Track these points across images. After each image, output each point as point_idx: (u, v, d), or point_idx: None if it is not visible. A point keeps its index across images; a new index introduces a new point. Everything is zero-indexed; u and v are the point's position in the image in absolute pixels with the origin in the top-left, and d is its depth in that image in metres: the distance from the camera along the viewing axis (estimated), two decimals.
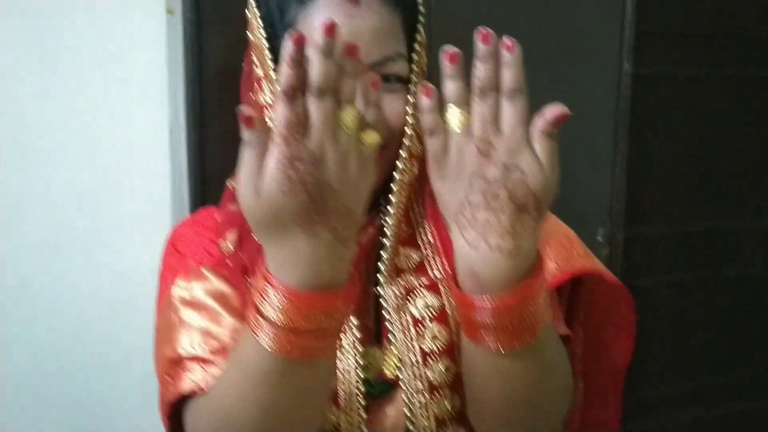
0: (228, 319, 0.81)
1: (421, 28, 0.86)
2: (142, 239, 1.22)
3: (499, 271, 0.66)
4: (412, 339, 0.83)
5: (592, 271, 0.92)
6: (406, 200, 0.86)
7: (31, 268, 1.19)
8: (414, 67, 0.84)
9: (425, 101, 0.65)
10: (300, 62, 0.61)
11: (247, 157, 0.62)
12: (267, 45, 0.82)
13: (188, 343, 0.79)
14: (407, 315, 0.84)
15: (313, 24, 0.78)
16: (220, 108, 1.13)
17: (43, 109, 1.16)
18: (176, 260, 0.89)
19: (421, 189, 0.90)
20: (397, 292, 0.85)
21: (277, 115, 0.60)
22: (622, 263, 1.26)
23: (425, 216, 0.90)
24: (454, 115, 0.65)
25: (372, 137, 0.64)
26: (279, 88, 0.60)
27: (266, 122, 0.63)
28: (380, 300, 0.85)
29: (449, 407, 0.81)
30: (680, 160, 1.39)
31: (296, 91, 0.61)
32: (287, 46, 0.60)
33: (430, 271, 0.87)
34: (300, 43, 0.60)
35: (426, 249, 0.89)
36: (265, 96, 0.83)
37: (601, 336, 0.99)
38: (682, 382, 1.46)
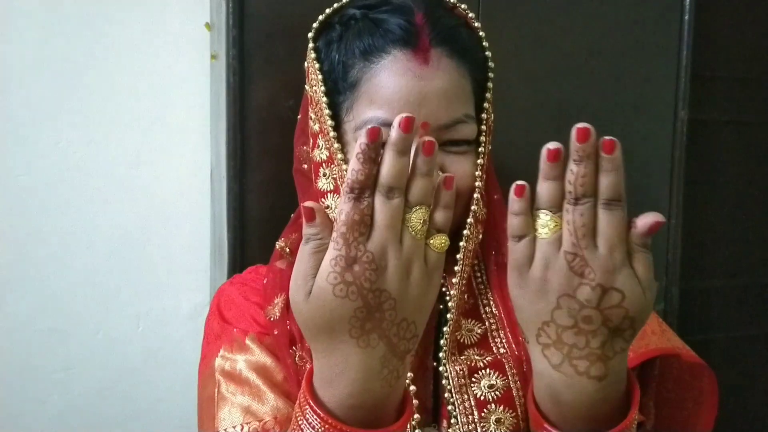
0: (270, 396, 0.78)
1: (490, 85, 0.83)
2: (180, 285, 1.22)
3: (587, 398, 0.61)
4: (474, 423, 0.77)
5: (669, 352, 0.84)
6: (469, 269, 0.82)
7: (69, 314, 1.18)
8: (483, 127, 0.81)
9: (516, 203, 0.59)
10: (373, 159, 0.57)
11: (303, 253, 0.58)
12: (326, 101, 0.80)
13: (229, 422, 0.76)
14: (470, 396, 0.78)
15: (380, 84, 0.76)
16: (262, 155, 1.11)
17: (86, 153, 1.16)
18: (221, 327, 0.86)
19: (484, 255, 0.86)
20: (459, 370, 0.79)
21: (339, 213, 0.57)
22: (678, 318, 1.20)
23: (489, 286, 0.86)
24: (544, 222, 0.58)
25: (441, 242, 0.59)
26: (344, 185, 0.57)
27: (328, 217, 0.59)
28: (440, 376, 0.79)
29: None
30: (738, 209, 1.33)
31: (364, 189, 0.57)
32: (360, 140, 0.56)
33: (494, 347, 0.82)
34: (375, 138, 0.56)
35: (490, 322, 0.84)
36: (321, 153, 0.81)
37: (680, 413, 0.92)
38: None
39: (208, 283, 1.22)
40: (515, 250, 0.60)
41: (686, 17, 1.18)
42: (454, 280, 0.79)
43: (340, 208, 0.57)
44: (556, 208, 0.58)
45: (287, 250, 0.87)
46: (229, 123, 1.10)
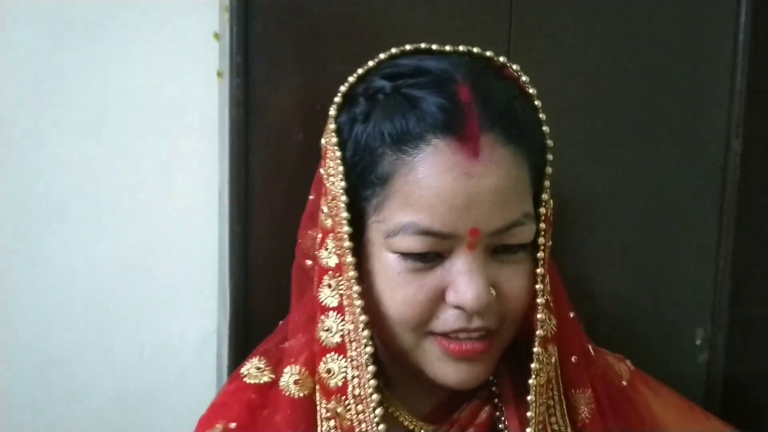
0: None
1: (549, 170, 0.70)
2: (187, 312, 1.16)
3: None
4: None
5: None
6: (545, 409, 0.70)
7: (72, 339, 1.14)
8: (542, 225, 0.68)
9: None
10: None
11: None
12: (345, 201, 0.67)
13: None
14: None
15: (418, 183, 0.62)
16: (267, 177, 1.03)
17: (90, 174, 1.11)
18: None
19: (560, 386, 0.73)
20: None
21: None
22: (724, 370, 1.10)
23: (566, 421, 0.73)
24: None
25: None
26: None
27: None
28: None
29: None
30: None
31: None
32: None
33: None
34: None
35: None
36: (330, 258, 0.69)
37: None
38: None
39: (216, 311, 1.16)
40: None
41: (740, 37, 1.05)
42: (528, 431, 0.68)
43: None
44: None
45: (263, 378, 0.77)
46: (232, 138, 1.02)
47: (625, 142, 1.08)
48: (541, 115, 0.71)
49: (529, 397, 0.68)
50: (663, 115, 1.08)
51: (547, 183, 0.70)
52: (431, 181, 0.62)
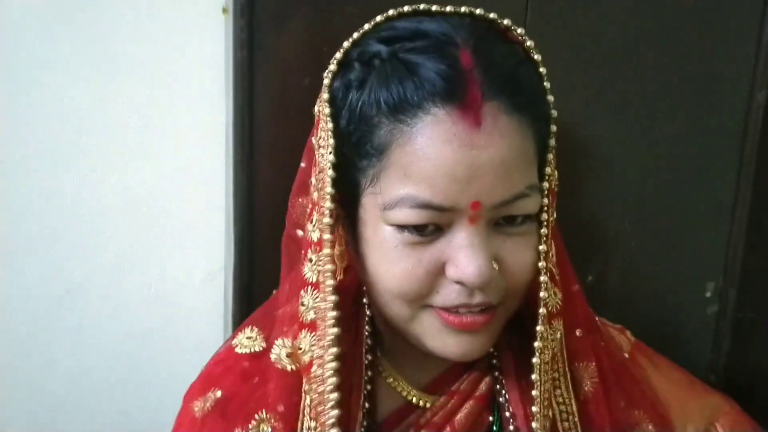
0: None
1: (553, 143, 0.67)
2: (194, 252, 1.17)
3: None
4: None
5: None
6: (550, 385, 0.69)
7: (81, 274, 1.16)
8: (546, 183, 0.66)
9: None
10: None
11: None
12: (332, 176, 0.64)
13: None
14: None
15: (417, 154, 0.59)
16: (272, 121, 1.02)
17: (97, 113, 1.11)
18: None
19: (565, 360, 0.72)
20: None
21: None
22: (734, 323, 1.09)
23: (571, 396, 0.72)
24: None
25: None
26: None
27: None
28: None
29: None
30: None
31: None
32: None
33: None
34: None
35: None
36: (314, 233, 0.67)
37: None
38: None
39: (223, 249, 1.15)
40: None
41: None
42: (534, 409, 0.67)
43: None
44: None
45: (255, 348, 0.76)
46: (237, 76, 1.00)
47: (645, 94, 1.04)
48: (546, 84, 0.67)
49: (533, 376, 0.67)
50: (686, 67, 1.04)
51: (550, 156, 0.67)
52: (431, 152, 0.59)
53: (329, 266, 0.65)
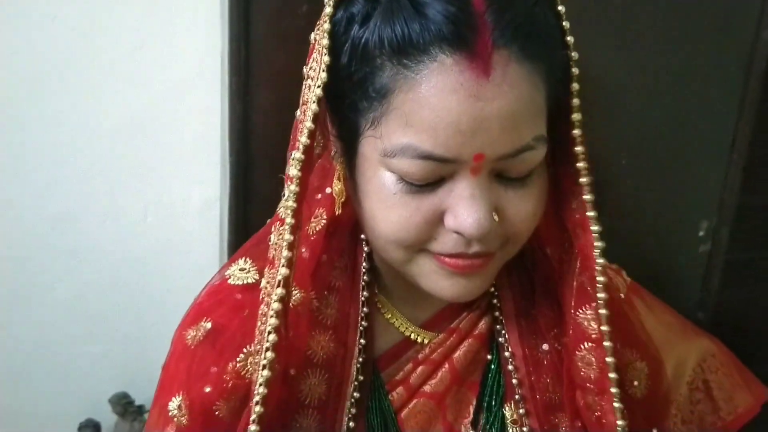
0: None
1: (576, 86, 0.64)
2: (190, 178, 1.17)
3: None
4: None
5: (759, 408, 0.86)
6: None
7: (76, 200, 1.16)
8: (579, 148, 0.64)
9: None
10: None
11: None
12: (315, 108, 0.61)
13: None
14: None
15: (420, 102, 0.56)
16: (268, 49, 1.00)
17: (92, 40, 1.09)
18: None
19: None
20: None
21: None
22: (724, 262, 1.10)
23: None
24: None
25: None
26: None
27: None
28: None
29: None
30: None
31: None
32: None
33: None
34: None
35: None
36: (291, 167, 0.63)
37: None
38: None
39: (219, 177, 1.15)
40: None
41: None
42: (608, 360, 0.66)
43: None
44: None
45: (248, 279, 0.75)
46: (232, 28, 0.98)
47: (647, 29, 1.03)
48: (565, 23, 0.64)
49: (603, 327, 0.66)
50: (690, 2, 1.02)
51: (576, 101, 0.64)
52: (435, 102, 0.56)
53: (291, 203, 0.62)
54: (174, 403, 0.70)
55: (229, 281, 0.75)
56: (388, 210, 0.62)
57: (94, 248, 1.17)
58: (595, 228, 0.65)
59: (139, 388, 1.20)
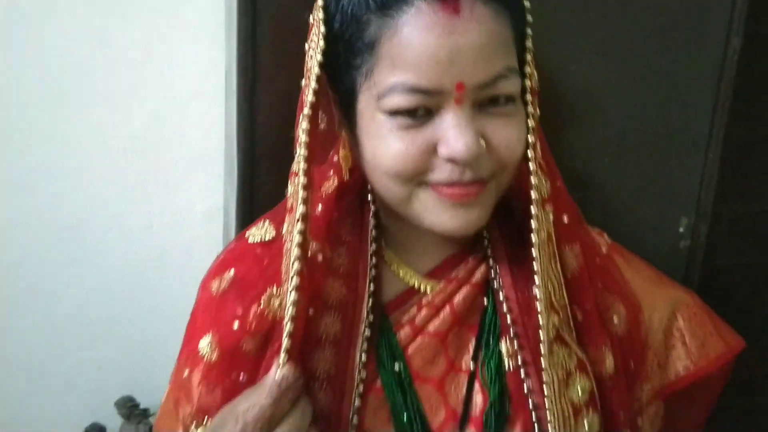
0: None
1: (529, 31, 0.73)
2: (194, 187, 1.20)
3: None
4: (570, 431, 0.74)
5: (733, 356, 0.91)
6: (547, 260, 0.76)
7: (84, 209, 1.19)
8: (528, 82, 0.72)
9: None
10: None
11: (245, 400, 0.67)
12: (317, 71, 0.72)
13: None
14: (567, 402, 0.75)
15: (403, 43, 0.66)
16: (274, 53, 1.04)
17: (97, 51, 1.13)
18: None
19: (554, 241, 0.78)
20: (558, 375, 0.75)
21: (256, 397, 0.66)
22: (704, 257, 1.15)
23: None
24: None
25: None
26: (274, 384, 0.66)
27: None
28: (474, 377, 0.78)
29: None
30: None
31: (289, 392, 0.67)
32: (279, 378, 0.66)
33: (574, 347, 0.78)
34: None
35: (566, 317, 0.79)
36: (300, 128, 0.73)
37: None
38: None
39: (222, 187, 1.20)
40: None
41: None
42: (537, 280, 0.74)
43: (263, 393, 0.66)
44: None
45: (267, 237, 0.84)
46: (240, 20, 1.02)
47: (626, 35, 1.09)
48: None
49: (533, 251, 0.73)
50: (665, 10, 1.08)
51: (528, 44, 0.74)
52: (416, 40, 0.66)
53: (303, 151, 0.71)
54: (204, 342, 0.78)
55: (249, 240, 0.84)
56: (387, 146, 0.69)
57: (100, 256, 1.21)
58: (533, 180, 0.73)
59: (144, 392, 1.23)
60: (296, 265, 0.68)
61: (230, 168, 1.16)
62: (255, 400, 0.65)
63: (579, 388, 0.75)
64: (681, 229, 1.14)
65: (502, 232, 0.82)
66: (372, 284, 0.78)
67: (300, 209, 0.70)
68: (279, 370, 0.67)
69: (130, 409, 1.22)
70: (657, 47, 1.09)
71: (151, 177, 1.19)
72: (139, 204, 1.19)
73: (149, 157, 1.18)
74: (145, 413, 1.23)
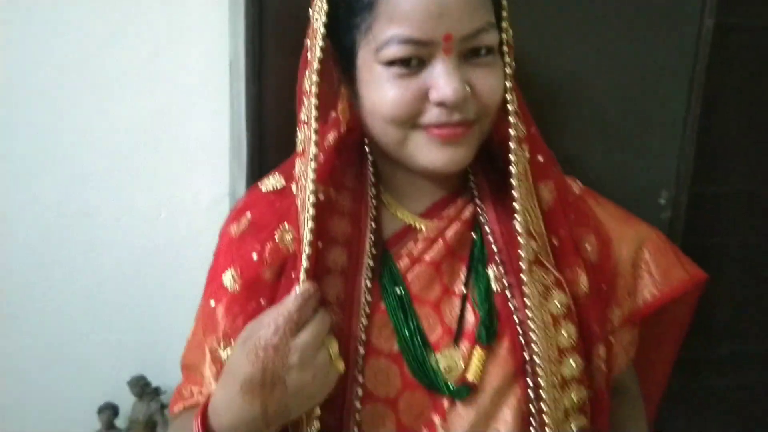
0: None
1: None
2: (200, 177, 1.25)
3: None
4: (551, 338, 0.84)
5: (694, 285, 1.00)
6: (525, 191, 0.85)
7: (95, 197, 1.23)
8: (504, 36, 0.82)
9: None
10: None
11: (274, 310, 0.74)
12: (323, 30, 0.80)
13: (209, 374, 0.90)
14: (546, 313, 0.85)
15: (398, 3, 0.75)
16: (280, 46, 1.11)
17: (111, 49, 1.17)
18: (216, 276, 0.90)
19: (530, 178, 0.88)
20: (536, 290, 0.85)
21: (286, 305, 0.74)
22: (684, 227, 1.22)
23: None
24: None
25: (340, 367, 0.77)
26: (299, 295, 0.74)
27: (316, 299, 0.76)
28: (466, 299, 0.87)
29: (575, 400, 0.85)
30: (756, 118, 1.30)
31: (313, 301, 0.75)
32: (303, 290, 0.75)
33: (551, 268, 0.87)
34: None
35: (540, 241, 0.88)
36: (307, 82, 0.82)
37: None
38: (750, 341, 1.42)
39: (227, 177, 1.25)
40: None
41: None
42: (516, 206, 0.83)
43: (288, 302, 0.74)
44: None
45: (278, 185, 0.92)
46: (248, 21, 1.09)
47: (605, 24, 1.17)
48: None
49: (513, 182, 0.83)
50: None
51: (504, 14, 0.83)
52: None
53: (314, 100, 0.80)
54: (228, 274, 0.86)
55: (262, 189, 0.92)
56: (384, 94, 0.79)
57: (111, 243, 1.25)
58: (511, 119, 0.83)
59: (154, 371, 1.29)
60: (311, 198, 0.78)
61: (235, 155, 1.21)
62: (282, 309, 0.74)
63: (557, 302, 0.85)
64: (662, 201, 1.21)
65: (486, 176, 0.92)
66: (373, 223, 0.88)
67: (312, 150, 0.79)
68: (299, 286, 0.75)
69: (142, 387, 1.27)
70: (635, 32, 1.18)
71: (159, 167, 1.23)
72: (148, 192, 1.24)
73: (158, 148, 1.22)
74: (157, 391, 1.28)
